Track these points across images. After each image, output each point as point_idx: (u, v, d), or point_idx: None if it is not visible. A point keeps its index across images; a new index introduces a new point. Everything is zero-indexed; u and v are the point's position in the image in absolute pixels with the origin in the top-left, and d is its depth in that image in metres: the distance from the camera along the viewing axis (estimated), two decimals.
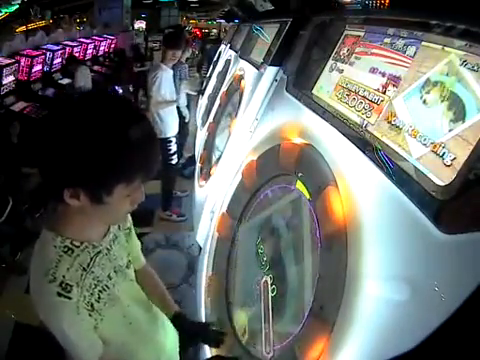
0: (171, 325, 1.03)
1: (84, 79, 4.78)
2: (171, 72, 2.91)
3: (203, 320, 1.35)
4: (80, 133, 0.64)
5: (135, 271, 0.96)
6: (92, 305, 0.76)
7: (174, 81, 2.99)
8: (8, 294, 2.35)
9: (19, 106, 4.28)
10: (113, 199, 0.69)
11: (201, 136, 3.17)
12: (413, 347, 0.54)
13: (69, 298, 0.71)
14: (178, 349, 1.03)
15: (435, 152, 0.67)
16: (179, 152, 3.28)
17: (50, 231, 0.75)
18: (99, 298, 0.78)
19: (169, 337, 1.00)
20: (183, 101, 3.89)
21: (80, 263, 0.75)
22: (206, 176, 2.36)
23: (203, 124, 3.32)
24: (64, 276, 0.71)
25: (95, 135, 0.64)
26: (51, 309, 0.71)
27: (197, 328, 1.07)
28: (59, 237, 0.74)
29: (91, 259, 0.78)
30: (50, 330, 0.73)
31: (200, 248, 1.85)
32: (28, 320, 2.08)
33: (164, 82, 2.81)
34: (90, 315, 0.76)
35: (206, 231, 1.71)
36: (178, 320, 1.03)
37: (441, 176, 0.63)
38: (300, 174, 1.02)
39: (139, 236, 1.02)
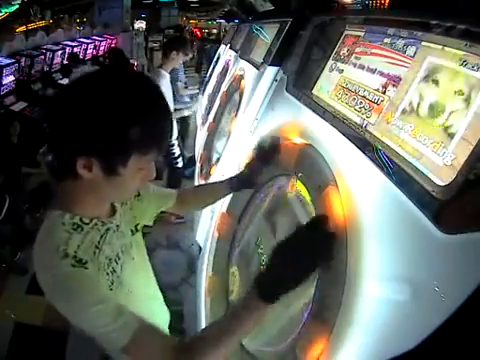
0: (162, 306, 1.07)
1: None
2: (168, 77, 2.90)
3: (203, 320, 1.36)
4: (98, 100, 0.64)
5: (176, 200, 1.06)
6: (108, 285, 0.74)
7: (171, 84, 2.98)
8: (8, 294, 2.35)
9: (19, 106, 4.29)
10: (127, 171, 0.68)
11: (201, 136, 3.17)
12: (413, 347, 0.54)
13: (85, 268, 0.67)
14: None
15: (435, 152, 0.67)
16: (182, 154, 3.29)
17: (57, 210, 0.72)
18: (112, 279, 0.76)
19: (159, 319, 1.02)
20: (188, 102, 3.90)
21: (91, 240, 0.72)
22: (206, 176, 2.36)
23: (203, 124, 3.32)
24: (76, 252, 0.67)
25: (114, 102, 0.64)
26: (65, 282, 0.65)
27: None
28: (67, 214, 0.72)
29: (101, 237, 0.76)
30: (64, 315, 0.67)
31: (200, 248, 1.86)
32: (28, 320, 2.09)
33: (165, 90, 2.78)
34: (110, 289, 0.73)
35: (206, 231, 1.71)
36: (233, 185, 1.10)
37: (441, 176, 0.63)
38: (300, 174, 1.02)
39: None
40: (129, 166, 0.68)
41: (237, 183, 1.10)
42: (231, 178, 1.12)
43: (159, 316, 1.05)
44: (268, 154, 1.08)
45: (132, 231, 0.91)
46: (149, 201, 0.99)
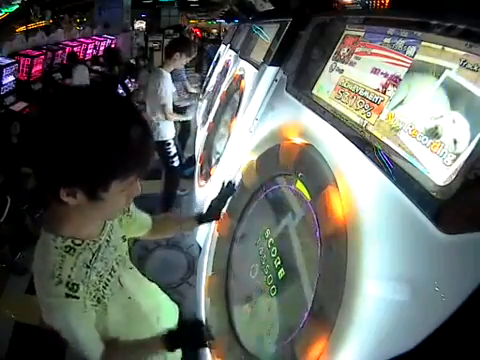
0: (168, 310, 1.11)
1: (82, 79, 4.79)
2: (169, 76, 2.91)
3: (203, 320, 1.35)
4: (74, 130, 0.63)
5: (151, 227, 1.10)
6: (98, 299, 0.79)
7: (176, 83, 3.01)
8: (8, 294, 2.35)
9: (19, 106, 4.28)
10: (109, 195, 0.69)
11: (201, 136, 3.17)
12: (413, 347, 0.54)
13: (77, 298, 0.73)
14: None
15: (435, 152, 0.67)
16: (181, 153, 3.29)
17: (49, 233, 0.75)
18: (104, 294, 0.80)
19: (168, 311, 1.08)
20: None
21: (83, 261, 0.76)
22: (206, 176, 2.36)
23: (203, 124, 3.32)
24: (70, 276, 0.72)
25: (89, 132, 0.63)
26: (59, 310, 0.73)
27: None
28: (59, 237, 0.74)
29: (93, 255, 0.79)
30: (55, 329, 0.76)
31: (200, 248, 1.85)
32: (28, 320, 2.09)
33: (166, 90, 2.82)
34: (96, 311, 0.79)
35: (206, 231, 1.71)
36: (199, 219, 1.23)
37: (441, 176, 0.63)
38: (300, 174, 1.02)
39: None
40: (111, 191, 0.69)
41: (202, 217, 1.25)
42: (198, 214, 1.28)
43: (167, 309, 1.09)
44: (226, 194, 1.27)
45: (123, 241, 0.94)
46: (134, 220, 1.00)
